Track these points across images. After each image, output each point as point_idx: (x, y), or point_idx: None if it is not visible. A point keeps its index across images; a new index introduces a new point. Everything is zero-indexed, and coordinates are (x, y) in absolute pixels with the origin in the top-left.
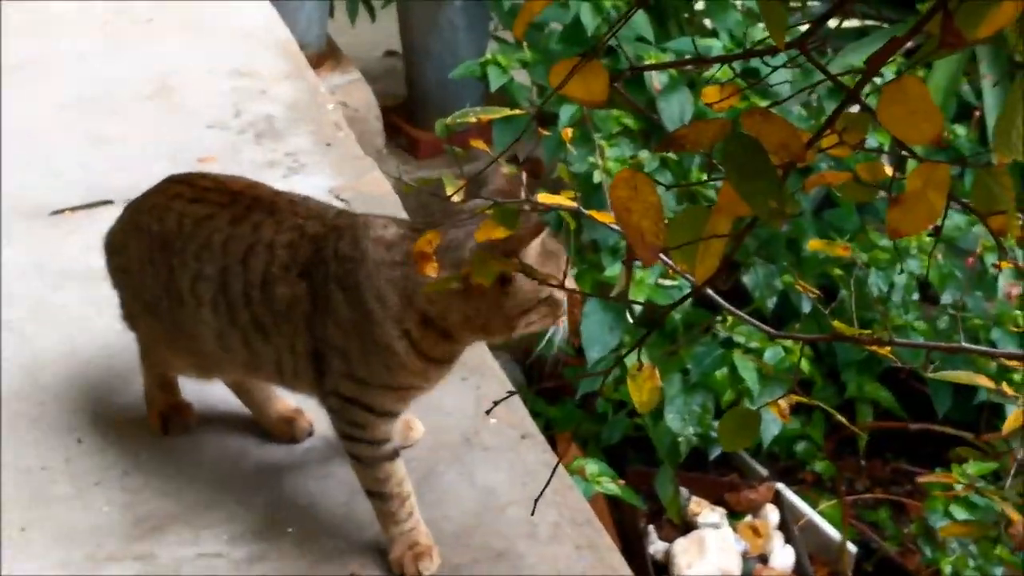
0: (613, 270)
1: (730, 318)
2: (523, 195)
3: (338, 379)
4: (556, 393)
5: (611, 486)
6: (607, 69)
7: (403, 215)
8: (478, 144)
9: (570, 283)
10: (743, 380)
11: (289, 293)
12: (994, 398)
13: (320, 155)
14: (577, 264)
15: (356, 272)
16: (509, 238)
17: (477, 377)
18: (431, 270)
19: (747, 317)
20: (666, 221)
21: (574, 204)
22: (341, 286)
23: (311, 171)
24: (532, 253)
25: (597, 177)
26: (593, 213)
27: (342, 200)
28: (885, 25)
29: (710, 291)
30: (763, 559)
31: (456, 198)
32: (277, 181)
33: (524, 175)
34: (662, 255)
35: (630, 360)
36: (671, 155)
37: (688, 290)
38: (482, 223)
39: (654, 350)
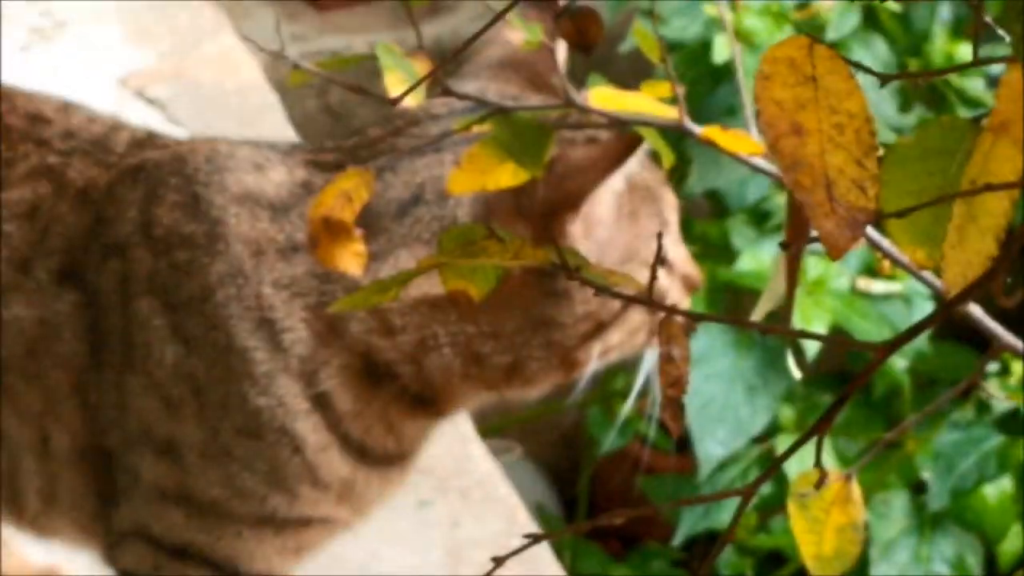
0: (755, 261)
1: (1017, 366)
2: (562, 89)
3: (152, 506)
4: (629, 535)
5: None
6: None
7: (291, 135)
8: None
9: (685, 263)
10: None
11: (32, 319)
12: None
13: (102, 3)
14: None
15: (201, 269)
16: (548, 180)
17: (452, 501)
18: (347, 259)
19: None
20: (879, 154)
21: (672, 113)
22: (166, 302)
23: (79, 37)
24: (605, 206)
25: (721, 50)
26: (712, 133)
27: (150, 101)
28: None
29: (974, 310)
30: None
31: (410, 100)
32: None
33: (561, 44)
34: (871, 230)
35: (797, 464)
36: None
37: (929, 306)
38: (467, 154)
39: (846, 440)
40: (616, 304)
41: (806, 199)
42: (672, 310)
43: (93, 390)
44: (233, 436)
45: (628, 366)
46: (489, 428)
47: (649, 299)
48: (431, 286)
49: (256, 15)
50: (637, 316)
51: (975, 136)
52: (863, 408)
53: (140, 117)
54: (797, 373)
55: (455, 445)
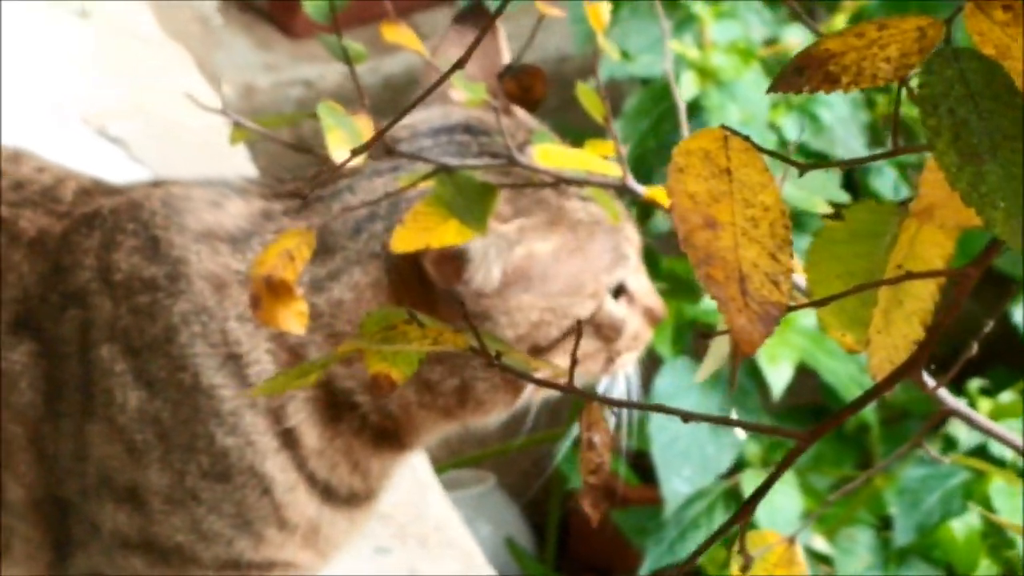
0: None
1: (984, 401)
2: (505, 148)
3: (111, 555)
4: (603, 567)
5: None
6: None
7: (250, 164)
8: (394, 33)
9: (647, 295)
10: (1013, 544)
11: None
12: None
13: (62, 36)
14: None
15: (163, 310)
16: None
17: (410, 547)
18: (290, 319)
19: None
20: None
21: (616, 171)
22: (128, 347)
23: (39, 72)
24: (535, 236)
25: (688, 87)
26: (656, 194)
27: (112, 139)
28: None
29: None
30: None
31: (345, 157)
32: None
33: (499, 99)
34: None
35: (763, 501)
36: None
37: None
38: (411, 212)
39: (816, 475)
40: (553, 331)
41: (718, 294)
42: (596, 397)
43: (50, 441)
44: (200, 479)
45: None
46: (462, 459)
47: (576, 390)
48: (379, 305)
49: (229, 45)
50: (584, 344)
51: (901, 220)
52: (834, 443)
53: (102, 155)
54: (742, 435)
55: (413, 491)
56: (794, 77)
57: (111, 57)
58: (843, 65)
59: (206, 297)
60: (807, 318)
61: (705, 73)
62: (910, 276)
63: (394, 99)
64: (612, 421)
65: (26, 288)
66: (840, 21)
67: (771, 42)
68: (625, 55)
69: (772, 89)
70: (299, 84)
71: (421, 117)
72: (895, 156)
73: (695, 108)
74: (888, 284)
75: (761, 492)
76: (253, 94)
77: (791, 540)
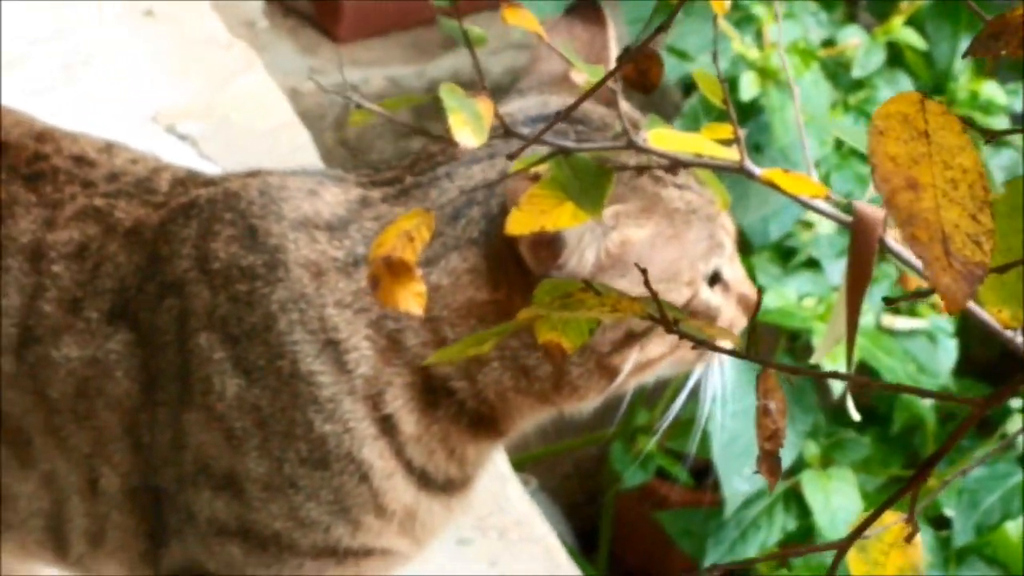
0: (780, 298)
1: None
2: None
3: (208, 542)
4: (651, 570)
5: None
6: None
7: (318, 164)
8: (515, 16)
9: (741, 283)
10: None
11: (82, 359)
12: None
13: (130, 36)
14: None
15: (262, 299)
16: None
17: (491, 539)
18: (408, 299)
19: None
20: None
21: (732, 154)
22: (226, 335)
23: (108, 72)
24: (633, 214)
25: (748, 87)
26: (773, 175)
27: (181, 137)
28: None
29: None
30: None
31: (472, 140)
32: (29, 96)
33: (618, 84)
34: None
35: (822, 500)
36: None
37: (952, 343)
38: (527, 194)
39: (865, 475)
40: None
41: (922, 253)
42: (774, 365)
43: (145, 429)
44: (298, 466)
45: (650, 403)
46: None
47: (755, 355)
48: (476, 290)
49: (274, 49)
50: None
51: None
52: (881, 443)
53: (172, 152)
54: (856, 415)
55: (494, 483)
56: (990, 41)
57: (177, 56)
58: None
59: (304, 284)
60: (865, 316)
61: (765, 73)
62: None
63: (439, 102)
64: (668, 422)
65: (122, 278)
66: (897, 23)
67: (828, 43)
68: (683, 55)
69: (968, 54)
70: (344, 88)
71: (518, 105)
72: None
73: (755, 108)
74: None
75: (939, 454)
76: (297, 98)
77: (909, 520)
